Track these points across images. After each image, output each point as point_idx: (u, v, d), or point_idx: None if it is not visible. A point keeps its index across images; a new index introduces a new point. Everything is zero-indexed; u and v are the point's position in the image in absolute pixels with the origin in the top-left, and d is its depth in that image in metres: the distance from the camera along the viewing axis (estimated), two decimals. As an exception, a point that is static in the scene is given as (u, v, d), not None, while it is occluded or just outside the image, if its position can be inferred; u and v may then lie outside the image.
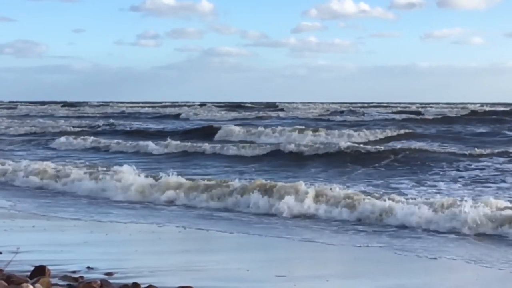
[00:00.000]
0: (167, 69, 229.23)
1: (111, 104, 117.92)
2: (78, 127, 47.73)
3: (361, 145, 26.86)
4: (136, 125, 50.00)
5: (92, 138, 34.25)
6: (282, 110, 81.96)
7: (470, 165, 21.39)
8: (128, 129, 45.34)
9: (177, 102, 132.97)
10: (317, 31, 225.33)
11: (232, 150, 27.59)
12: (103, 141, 32.91)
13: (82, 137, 34.70)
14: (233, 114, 68.91)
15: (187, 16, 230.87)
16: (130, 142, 31.39)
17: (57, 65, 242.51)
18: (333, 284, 8.42)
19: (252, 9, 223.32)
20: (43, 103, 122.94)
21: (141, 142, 30.72)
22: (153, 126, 50.02)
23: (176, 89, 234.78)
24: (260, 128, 39.25)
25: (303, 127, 40.19)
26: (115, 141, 32.60)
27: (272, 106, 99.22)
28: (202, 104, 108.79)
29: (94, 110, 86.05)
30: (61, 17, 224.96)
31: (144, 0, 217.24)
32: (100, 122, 51.89)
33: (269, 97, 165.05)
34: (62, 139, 34.01)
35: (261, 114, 68.59)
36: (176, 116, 68.21)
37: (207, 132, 40.03)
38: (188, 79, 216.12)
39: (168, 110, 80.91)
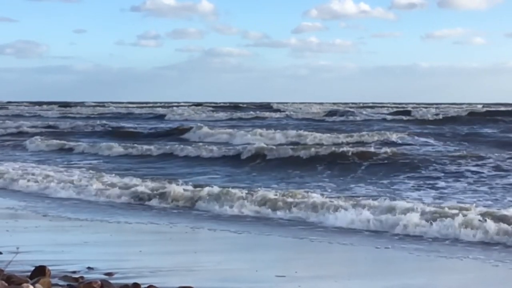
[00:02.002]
0: (168, 69, 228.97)
1: (106, 104, 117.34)
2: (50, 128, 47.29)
3: (361, 146, 26.77)
4: (111, 125, 49.52)
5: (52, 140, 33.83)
6: (278, 110, 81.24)
7: (473, 165, 21.30)
8: (100, 129, 45.33)
9: (176, 102, 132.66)
10: (318, 31, 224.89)
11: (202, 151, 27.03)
12: (68, 142, 32.67)
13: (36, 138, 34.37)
14: (225, 114, 68.26)
15: (188, 16, 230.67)
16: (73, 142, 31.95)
17: (58, 65, 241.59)
18: (340, 284, 8.34)
19: (253, 9, 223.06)
20: (41, 103, 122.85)
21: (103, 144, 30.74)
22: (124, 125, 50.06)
23: (177, 90, 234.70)
24: (247, 129, 38.99)
25: (297, 128, 40.19)
26: (80, 142, 32.78)
27: (269, 106, 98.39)
28: (199, 104, 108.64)
29: (87, 110, 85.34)
30: (62, 18, 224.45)
31: (144, 0, 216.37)
32: (82, 123, 51.62)
33: (270, 97, 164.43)
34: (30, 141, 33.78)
35: (253, 114, 68.23)
36: (161, 117, 67.76)
37: (179, 133, 40.16)
38: (189, 79, 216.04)
39: (161, 111, 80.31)
